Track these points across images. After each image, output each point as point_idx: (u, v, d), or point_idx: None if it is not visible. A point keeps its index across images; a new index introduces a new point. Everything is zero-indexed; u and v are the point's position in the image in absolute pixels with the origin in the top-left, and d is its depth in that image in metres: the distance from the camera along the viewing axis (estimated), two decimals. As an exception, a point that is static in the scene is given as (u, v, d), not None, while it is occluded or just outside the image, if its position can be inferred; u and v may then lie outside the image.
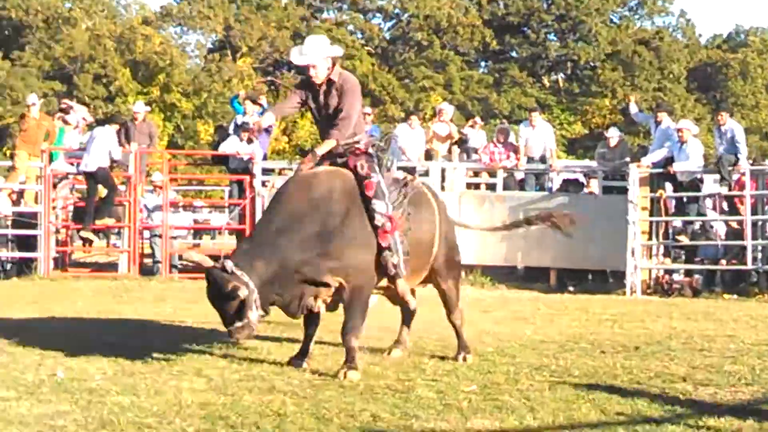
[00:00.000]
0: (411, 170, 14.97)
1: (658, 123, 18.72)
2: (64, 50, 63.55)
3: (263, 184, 18.44)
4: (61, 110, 21.06)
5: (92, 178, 18.02)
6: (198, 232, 24.16)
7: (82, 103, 45.00)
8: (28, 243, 18.76)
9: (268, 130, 19.78)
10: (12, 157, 20.18)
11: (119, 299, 14.39)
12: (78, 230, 18.89)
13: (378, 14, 71.17)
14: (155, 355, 8.52)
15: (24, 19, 65.57)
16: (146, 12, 70.76)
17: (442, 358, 8.81)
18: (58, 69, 63.53)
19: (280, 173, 20.13)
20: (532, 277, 18.17)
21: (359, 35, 69.07)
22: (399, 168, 11.70)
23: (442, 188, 18.31)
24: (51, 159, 18.91)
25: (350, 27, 69.48)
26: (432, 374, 8.04)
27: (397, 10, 69.91)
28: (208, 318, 9.22)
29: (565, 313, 13.34)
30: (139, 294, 15.31)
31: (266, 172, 19.06)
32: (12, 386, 7.19)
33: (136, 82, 61.80)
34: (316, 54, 8.40)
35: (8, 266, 18.88)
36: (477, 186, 19.95)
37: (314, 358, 8.46)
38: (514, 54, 68.62)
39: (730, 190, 17.54)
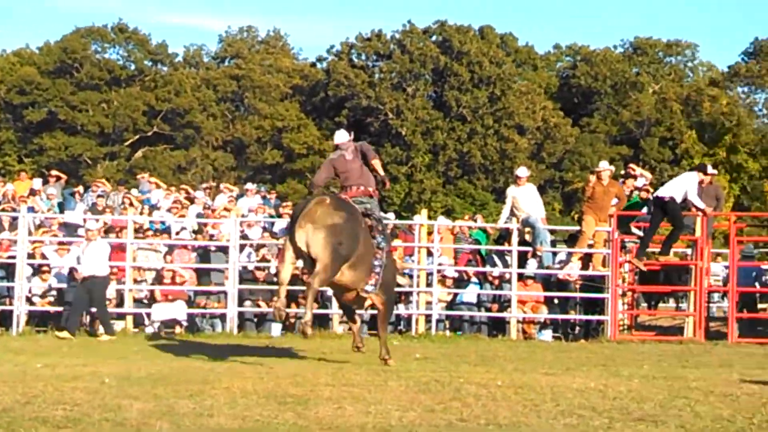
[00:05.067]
0: None
1: None
2: (631, 114, 64.71)
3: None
4: (628, 176, 21.41)
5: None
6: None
7: (648, 167, 45.64)
8: (596, 306, 19.24)
9: None
10: (579, 221, 20.78)
11: (684, 363, 14.28)
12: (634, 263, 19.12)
13: None
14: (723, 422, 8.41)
15: (593, 86, 67.70)
16: (714, 73, 70.25)
17: None
18: (625, 133, 64.75)
19: None
20: None
21: None
22: None
23: None
24: (619, 223, 19.28)
25: None
26: None
27: None
28: None
29: None
30: (705, 359, 15.10)
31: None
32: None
33: (701, 144, 61.44)
34: None
35: (576, 329, 19.48)
36: None
37: None
38: None
39: None
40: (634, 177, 21.27)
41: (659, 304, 22.50)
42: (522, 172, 21.02)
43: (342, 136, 14.05)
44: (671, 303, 23.35)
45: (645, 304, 22.02)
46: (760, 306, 21.30)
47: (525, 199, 19.96)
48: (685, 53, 71.59)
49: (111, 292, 19.21)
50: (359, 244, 12.49)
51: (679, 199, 17.92)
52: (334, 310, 19.13)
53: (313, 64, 72.57)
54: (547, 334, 19.29)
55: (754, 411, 9.09)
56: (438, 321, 19.25)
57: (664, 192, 18.35)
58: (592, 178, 20.32)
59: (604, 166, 20.31)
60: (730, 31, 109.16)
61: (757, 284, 20.62)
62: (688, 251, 19.79)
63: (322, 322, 19.36)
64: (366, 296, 13.21)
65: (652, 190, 20.87)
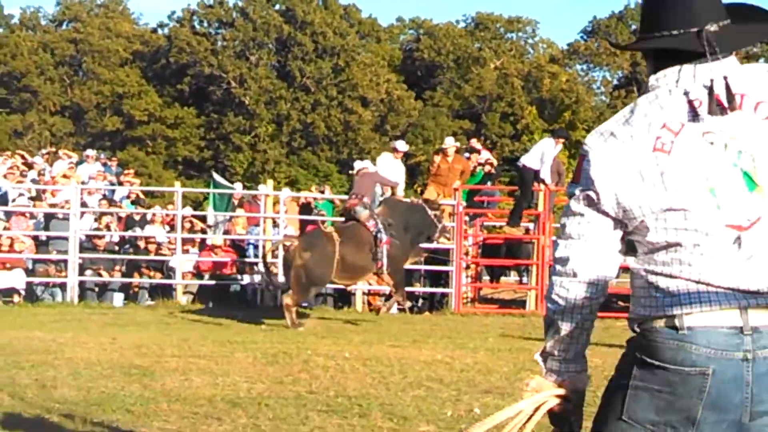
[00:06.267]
0: None
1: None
2: (473, 89, 65.43)
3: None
4: (472, 150, 21.64)
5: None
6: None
7: (489, 141, 46.22)
8: (440, 278, 19.43)
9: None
10: (422, 194, 20.90)
11: (527, 336, 14.53)
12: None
13: (792, 46, 68.11)
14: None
15: (436, 60, 68.20)
16: (553, 50, 71.56)
17: None
18: (468, 108, 65.47)
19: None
20: None
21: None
22: None
23: None
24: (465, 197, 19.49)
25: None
26: None
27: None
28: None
29: None
30: (546, 332, 15.36)
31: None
32: (432, 420, 7.43)
33: (542, 120, 62.57)
34: None
35: (421, 301, 19.63)
36: None
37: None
38: None
39: None
40: (478, 152, 21.52)
41: (501, 278, 22.83)
42: (401, 146, 21.05)
43: (360, 164, 17.57)
44: (513, 276, 23.71)
45: (488, 278, 22.34)
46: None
47: (390, 168, 19.99)
48: (525, 30, 72.76)
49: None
50: (332, 265, 15.52)
51: (534, 166, 18.23)
52: (178, 281, 18.88)
53: (154, 30, 71.27)
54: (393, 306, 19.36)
55: (597, 383, 9.27)
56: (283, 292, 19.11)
57: (522, 158, 18.84)
58: (437, 158, 20.40)
59: (450, 143, 20.46)
60: (570, 9, 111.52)
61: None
62: (531, 226, 20.13)
63: (165, 292, 19.08)
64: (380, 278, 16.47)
65: (496, 164, 21.19)
